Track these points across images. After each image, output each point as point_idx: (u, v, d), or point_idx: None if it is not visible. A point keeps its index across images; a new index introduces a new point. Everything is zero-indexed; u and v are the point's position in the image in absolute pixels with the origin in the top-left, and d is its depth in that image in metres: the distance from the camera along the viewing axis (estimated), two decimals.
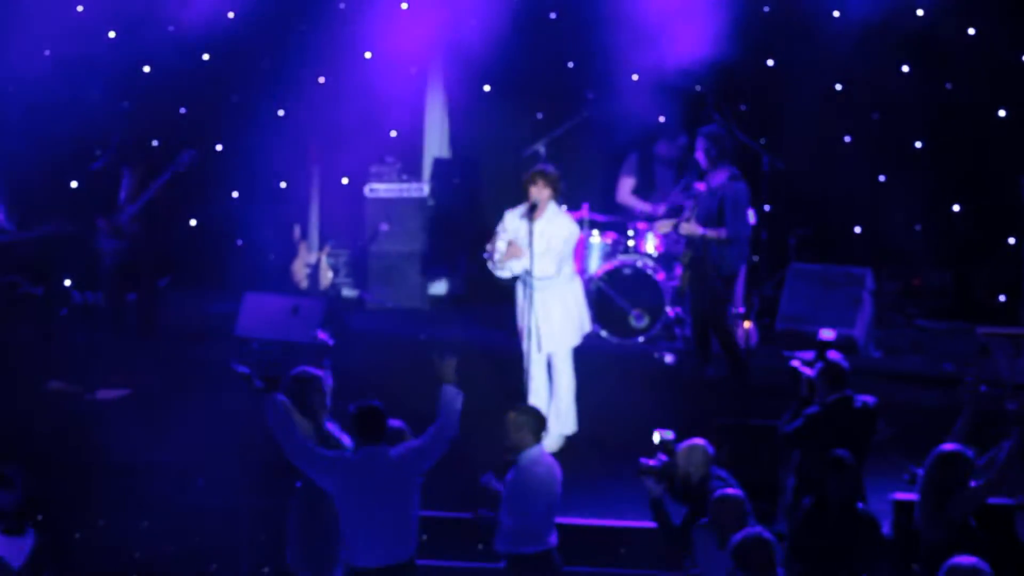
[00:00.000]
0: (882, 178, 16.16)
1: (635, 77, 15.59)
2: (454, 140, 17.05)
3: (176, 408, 12.75)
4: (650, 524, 10.69)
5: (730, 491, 9.14)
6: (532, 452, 9.61)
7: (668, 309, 14.65)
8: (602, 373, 13.31)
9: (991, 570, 7.94)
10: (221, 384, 13.38)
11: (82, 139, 15.81)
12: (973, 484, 9.14)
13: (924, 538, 9.15)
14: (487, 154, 16.37)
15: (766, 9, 15.35)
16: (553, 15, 16.11)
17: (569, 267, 12.20)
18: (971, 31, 15.76)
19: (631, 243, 14.97)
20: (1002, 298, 15.91)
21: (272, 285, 15.67)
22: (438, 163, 17.06)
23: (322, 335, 10.37)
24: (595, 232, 15.03)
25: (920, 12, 15.50)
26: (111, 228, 14.48)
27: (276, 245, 16.69)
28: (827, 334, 13.52)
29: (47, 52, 16.00)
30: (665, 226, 14.02)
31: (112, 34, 16.34)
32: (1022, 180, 14.79)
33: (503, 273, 12.11)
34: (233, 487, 11.28)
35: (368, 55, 16.40)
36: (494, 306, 14.79)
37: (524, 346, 12.12)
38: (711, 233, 13.06)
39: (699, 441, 9.91)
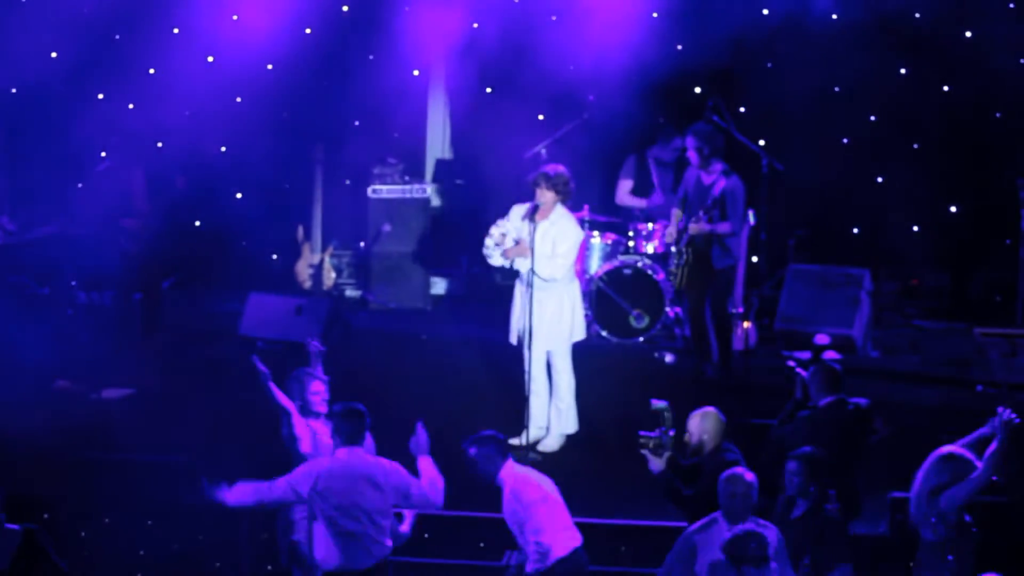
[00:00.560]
0: (880, 179, 16.18)
1: (635, 79, 15.64)
2: (456, 142, 17.08)
3: (180, 407, 12.81)
4: (651, 523, 10.81)
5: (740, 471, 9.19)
6: (502, 475, 9.63)
7: (668, 309, 14.68)
8: (602, 373, 13.36)
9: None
10: (225, 383, 13.49)
11: (88, 140, 15.83)
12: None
13: (921, 536, 9.18)
14: (489, 155, 16.34)
15: (765, 11, 15.38)
16: (554, 17, 16.14)
17: (569, 271, 12.23)
18: (968, 33, 15.77)
19: (631, 244, 15.00)
20: (999, 299, 15.94)
21: (276, 285, 15.77)
22: (440, 164, 17.10)
23: (314, 343, 10.44)
24: (595, 233, 15.04)
25: (918, 15, 15.55)
26: (138, 229, 14.48)
27: (280, 245, 16.79)
28: (822, 339, 13.60)
29: (53, 54, 16.03)
30: (672, 236, 13.95)
31: (117, 36, 16.37)
32: (1019, 181, 14.81)
33: (493, 262, 12.18)
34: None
35: (371, 57, 16.47)
36: (495, 306, 14.71)
37: (522, 345, 12.17)
38: (718, 229, 13.14)
39: (712, 409, 9.98)
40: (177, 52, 15.98)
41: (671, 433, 9.90)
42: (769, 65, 15.87)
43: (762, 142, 15.12)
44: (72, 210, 15.31)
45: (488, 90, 16.46)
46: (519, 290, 12.24)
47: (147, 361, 13.91)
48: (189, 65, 16.07)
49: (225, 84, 16.09)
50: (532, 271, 11.95)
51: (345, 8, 16.18)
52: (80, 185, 15.91)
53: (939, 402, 13.30)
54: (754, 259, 15.30)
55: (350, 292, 16.49)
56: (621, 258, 14.81)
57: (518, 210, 12.17)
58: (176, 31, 16.09)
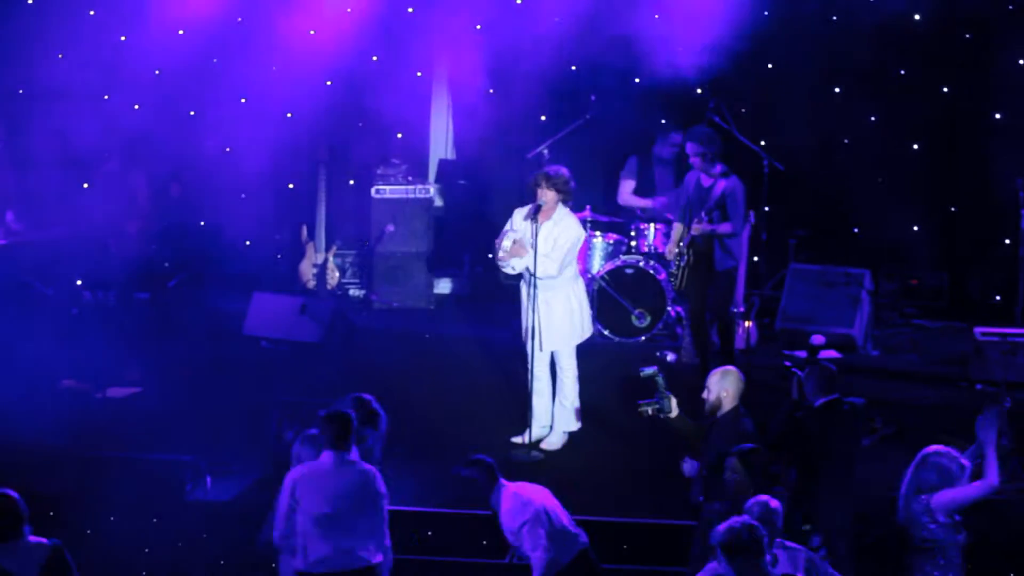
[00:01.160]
0: (880, 179, 16.14)
1: (637, 80, 15.67)
2: (459, 142, 17.05)
3: (186, 406, 12.83)
4: (654, 520, 10.85)
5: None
6: (493, 499, 9.67)
7: (670, 308, 14.71)
8: (604, 372, 13.40)
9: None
10: (230, 382, 13.54)
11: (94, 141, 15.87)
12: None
13: (911, 537, 9.22)
14: (491, 156, 16.36)
15: (766, 13, 15.40)
16: (557, 19, 16.16)
17: (573, 268, 12.26)
18: (968, 35, 15.79)
19: (633, 243, 15.03)
20: (998, 298, 15.95)
21: (280, 285, 15.80)
22: (443, 165, 17.10)
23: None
24: (597, 233, 15.05)
25: (918, 16, 15.56)
26: (140, 230, 14.51)
27: (284, 245, 16.81)
28: (817, 339, 13.63)
29: (60, 55, 16.08)
30: (672, 253, 13.96)
31: (123, 38, 16.41)
32: (1019, 182, 14.81)
33: (507, 269, 12.20)
34: (242, 483, 11.48)
35: (375, 58, 16.51)
36: (499, 305, 14.75)
37: (527, 345, 12.19)
38: (719, 229, 13.20)
39: (733, 368, 10.07)
40: (180, 53, 16.01)
41: (669, 394, 9.98)
42: (770, 66, 15.88)
43: (763, 143, 15.11)
44: (78, 211, 15.35)
45: (491, 91, 16.46)
46: (524, 291, 12.29)
47: (152, 360, 13.93)
48: (193, 66, 16.13)
49: (229, 85, 16.13)
50: (533, 271, 11.99)
51: (349, 10, 16.18)
52: (86, 186, 15.97)
53: (938, 401, 13.29)
54: (755, 259, 15.34)
55: (354, 292, 16.51)
56: (623, 258, 14.83)
57: (520, 214, 12.22)
58: (181, 32, 16.09)
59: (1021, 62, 15.63)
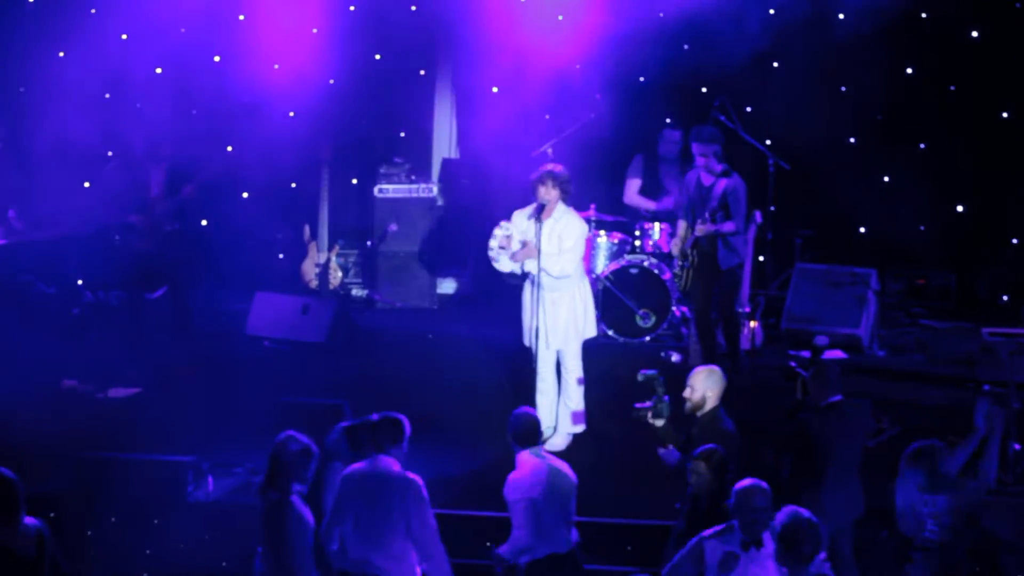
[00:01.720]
0: (887, 179, 16.14)
1: (642, 79, 15.62)
2: (462, 141, 17.04)
3: (187, 406, 12.79)
4: (657, 522, 10.79)
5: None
6: (525, 454, 9.69)
7: (675, 308, 14.68)
8: (608, 372, 13.36)
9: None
10: (231, 382, 13.50)
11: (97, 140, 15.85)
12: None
13: (915, 537, 9.20)
14: (495, 155, 16.30)
15: (771, 11, 15.37)
16: (561, 16, 16.14)
17: (579, 268, 12.28)
18: (975, 33, 15.76)
19: (637, 243, 15.00)
20: (1005, 298, 15.92)
21: (282, 285, 15.77)
22: (446, 164, 17.07)
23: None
24: (602, 232, 15.03)
25: (924, 14, 15.54)
26: (148, 226, 14.48)
27: (286, 245, 16.78)
28: (821, 340, 13.60)
29: (61, 53, 16.05)
30: (676, 248, 13.94)
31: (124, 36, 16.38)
32: None
33: (499, 266, 12.23)
34: (244, 484, 11.43)
35: (378, 56, 16.45)
36: (503, 305, 14.68)
37: (532, 345, 12.18)
38: (722, 229, 13.14)
39: (716, 367, 10.06)
40: (183, 53, 15.97)
41: (666, 399, 9.95)
42: (775, 64, 15.84)
43: (768, 141, 15.11)
44: (80, 209, 15.32)
45: (494, 89, 16.44)
46: (528, 291, 12.26)
47: (154, 360, 13.89)
48: (194, 65, 16.09)
49: (231, 84, 16.09)
50: (541, 271, 11.99)
51: (352, 8, 16.15)
52: (87, 184, 15.93)
53: (945, 402, 13.23)
54: (760, 258, 15.30)
55: (356, 291, 16.48)
56: (627, 257, 14.80)
57: (520, 214, 12.23)
58: (182, 30, 16.07)
59: None
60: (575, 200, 12.48)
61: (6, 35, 15.96)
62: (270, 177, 16.24)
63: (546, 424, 12.22)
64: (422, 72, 16.76)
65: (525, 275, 12.27)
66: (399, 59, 16.35)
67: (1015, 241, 15.61)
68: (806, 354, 13.61)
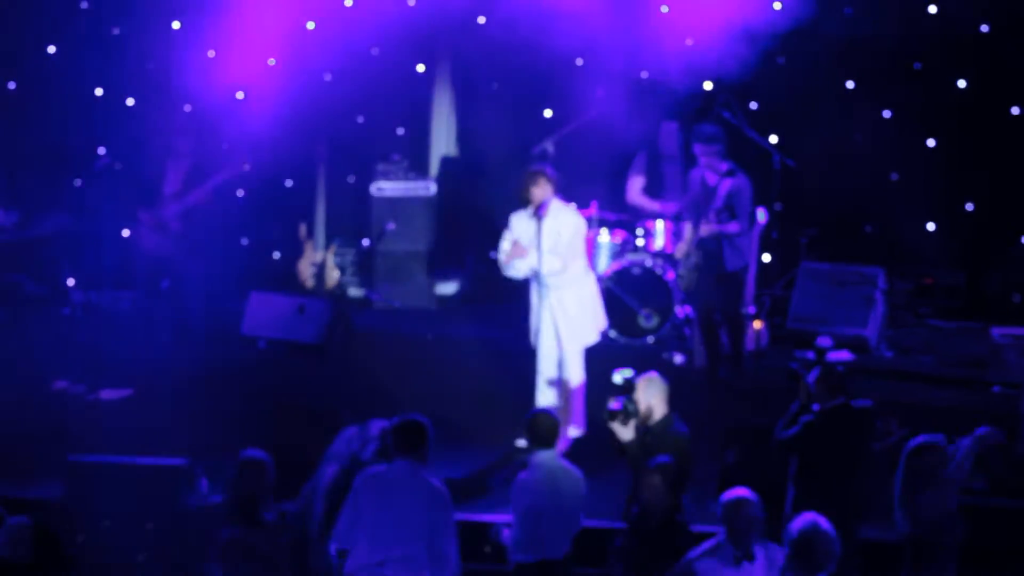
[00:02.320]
0: (894, 177, 16.12)
1: (644, 74, 15.53)
2: (461, 138, 17.00)
3: (179, 408, 12.72)
4: None
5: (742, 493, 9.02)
6: (540, 456, 9.61)
7: (678, 309, 14.58)
8: (610, 374, 13.25)
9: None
10: (226, 383, 13.41)
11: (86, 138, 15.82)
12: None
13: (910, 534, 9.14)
14: (495, 152, 16.34)
15: (777, 7, 15.29)
16: (561, 12, 16.05)
17: (582, 263, 12.31)
18: (984, 28, 15.70)
19: (640, 242, 14.91)
20: (1015, 298, 15.88)
21: (278, 284, 15.69)
22: (445, 161, 17.02)
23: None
24: (604, 231, 14.96)
25: (932, 9, 15.48)
26: (155, 223, 14.46)
27: (282, 244, 16.69)
28: (824, 341, 13.53)
29: (52, 48, 15.98)
30: (681, 251, 13.86)
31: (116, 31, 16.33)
32: None
33: (511, 273, 12.23)
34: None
35: (375, 52, 16.35)
36: (502, 305, 14.79)
37: (535, 344, 12.20)
38: (727, 229, 13.07)
39: (655, 373, 10.05)
40: (178, 48, 15.91)
41: (635, 408, 9.95)
42: (781, 61, 15.78)
43: (774, 139, 15.09)
44: (73, 207, 15.29)
45: (494, 86, 16.36)
46: (535, 291, 12.29)
47: (146, 361, 13.82)
48: (190, 61, 16.00)
49: (226, 80, 15.98)
50: (541, 270, 12.01)
51: (348, 2, 16.07)
52: (79, 183, 15.90)
53: (954, 403, 13.18)
54: (765, 258, 15.28)
55: (353, 291, 16.43)
56: (630, 257, 14.73)
57: (519, 216, 12.25)
58: (177, 25, 15.99)
59: None
60: (577, 198, 12.42)
61: None
62: (265, 175, 16.12)
63: None
64: (420, 67, 16.67)
65: (527, 276, 12.29)
66: (397, 54, 16.29)
67: None
68: (810, 355, 13.52)
